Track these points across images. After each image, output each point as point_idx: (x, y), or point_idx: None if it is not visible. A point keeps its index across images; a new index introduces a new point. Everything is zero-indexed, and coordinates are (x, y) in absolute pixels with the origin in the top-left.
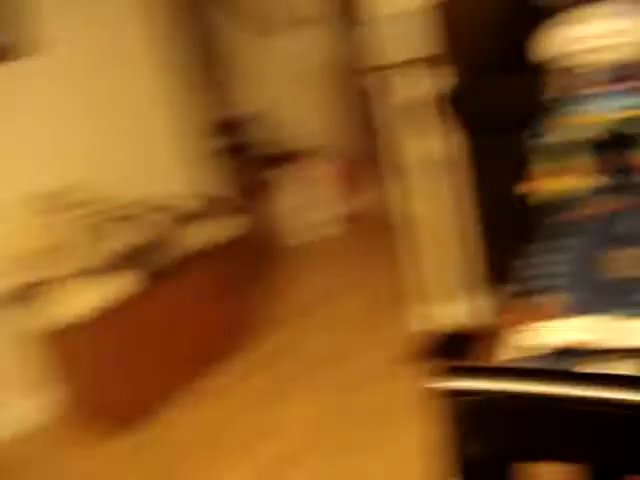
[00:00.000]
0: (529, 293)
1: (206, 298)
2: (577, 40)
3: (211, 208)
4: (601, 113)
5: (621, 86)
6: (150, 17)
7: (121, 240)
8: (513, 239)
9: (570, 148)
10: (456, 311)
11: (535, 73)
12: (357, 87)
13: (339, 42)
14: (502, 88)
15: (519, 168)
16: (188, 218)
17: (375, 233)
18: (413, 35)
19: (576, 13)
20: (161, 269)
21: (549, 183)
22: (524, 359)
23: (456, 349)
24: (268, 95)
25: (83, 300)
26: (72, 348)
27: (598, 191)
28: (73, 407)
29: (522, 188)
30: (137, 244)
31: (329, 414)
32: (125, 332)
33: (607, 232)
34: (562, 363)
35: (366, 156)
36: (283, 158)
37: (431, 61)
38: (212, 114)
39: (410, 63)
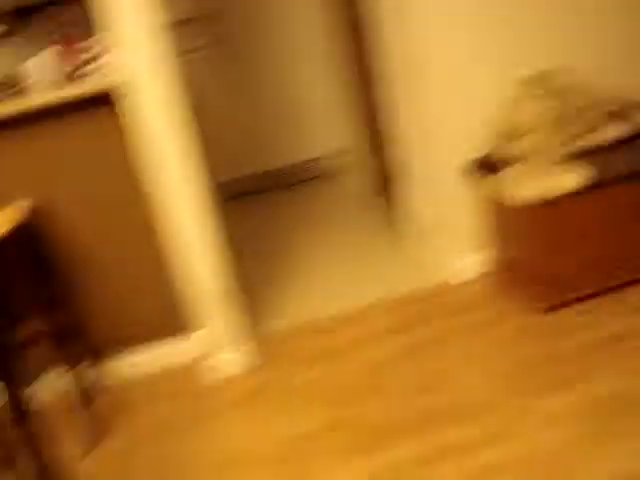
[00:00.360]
0: None
1: None
2: None
3: None
4: None
5: None
6: None
7: (590, 135)
8: None
9: None
10: None
11: None
12: None
13: None
14: None
15: None
16: None
17: None
18: None
19: None
20: (615, 170)
21: None
22: None
23: None
24: None
25: (532, 184)
26: (508, 221)
27: None
28: (504, 271)
29: None
30: (603, 141)
31: None
32: (558, 223)
33: None
34: None
35: None
36: None
37: None
38: None
39: None
